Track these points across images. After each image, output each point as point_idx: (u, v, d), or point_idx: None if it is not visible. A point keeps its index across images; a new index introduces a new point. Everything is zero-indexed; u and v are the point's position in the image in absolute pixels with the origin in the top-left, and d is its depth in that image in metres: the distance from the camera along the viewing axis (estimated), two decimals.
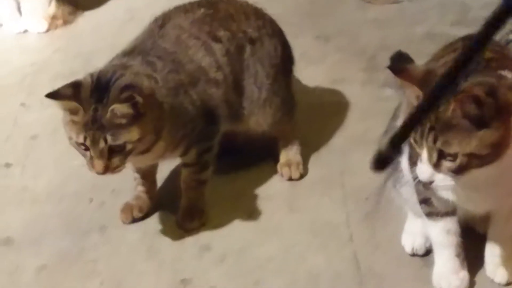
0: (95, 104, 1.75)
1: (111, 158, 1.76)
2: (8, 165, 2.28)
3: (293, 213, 2.00)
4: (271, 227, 1.97)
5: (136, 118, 1.75)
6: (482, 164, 1.50)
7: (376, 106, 2.29)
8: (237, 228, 1.97)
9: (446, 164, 1.51)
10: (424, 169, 1.53)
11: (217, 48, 1.98)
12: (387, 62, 2.41)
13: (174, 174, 2.11)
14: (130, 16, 2.91)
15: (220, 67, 1.97)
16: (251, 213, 2.01)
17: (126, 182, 2.10)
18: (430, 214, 1.70)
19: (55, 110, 2.43)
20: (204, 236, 1.95)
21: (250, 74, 2.02)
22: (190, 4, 2.07)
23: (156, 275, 1.88)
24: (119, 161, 1.78)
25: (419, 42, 2.50)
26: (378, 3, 2.84)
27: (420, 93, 1.52)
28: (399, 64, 1.62)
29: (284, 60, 2.12)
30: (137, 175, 2.03)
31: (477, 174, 1.52)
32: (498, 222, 1.72)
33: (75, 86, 1.78)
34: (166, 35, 1.96)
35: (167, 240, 1.95)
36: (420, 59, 1.68)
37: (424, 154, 1.52)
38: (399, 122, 1.73)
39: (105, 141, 1.74)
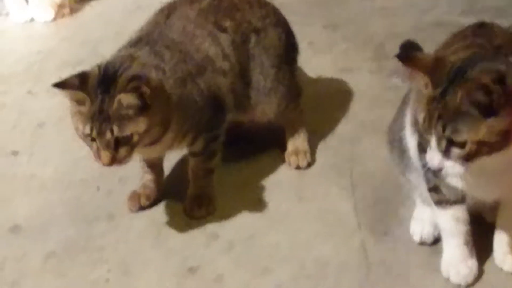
0: (102, 95, 1.74)
1: (117, 150, 1.75)
2: (15, 153, 2.28)
3: (300, 201, 2.00)
4: (279, 215, 1.97)
5: (143, 109, 1.74)
6: (491, 152, 1.49)
7: (384, 95, 2.28)
8: (245, 217, 1.97)
9: (455, 151, 1.50)
10: (434, 157, 1.52)
11: (223, 38, 1.98)
12: (395, 50, 2.40)
13: (182, 162, 2.11)
14: (137, 5, 2.91)
15: (226, 57, 1.97)
16: (259, 201, 2.01)
17: (133, 170, 2.09)
18: (439, 202, 1.69)
19: (62, 98, 2.44)
20: (212, 224, 1.95)
21: (255, 63, 2.02)
22: None
23: (164, 263, 1.87)
24: (125, 152, 1.76)
25: (427, 31, 2.49)
26: None
27: (429, 81, 1.52)
28: (408, 52, 1.60)
29: (289, 49, 2.11)
30: (144, 164, 2.02)
31: (486, 162, 1.51)
32: (507, 210, 1.71)
33: (82, 77, 1.77)
34: (173, 25, 1.95)
35: (174, 228, 1.95)
36: (429, 48, 1.66)
37: (433, 141, 1.51)
38: (408, 110, 1.74)
39: (112, 132, 1.73)
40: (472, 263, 1.72)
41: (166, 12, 1.99)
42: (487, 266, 1.74)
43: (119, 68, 1.77)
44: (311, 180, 2.07)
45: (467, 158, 1.50)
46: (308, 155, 2.11)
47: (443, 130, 1.49)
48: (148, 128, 1.75)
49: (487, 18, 1.69)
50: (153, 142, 1.81)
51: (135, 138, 1.75)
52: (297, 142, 2.12)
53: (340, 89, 2.36)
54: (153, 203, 2.03)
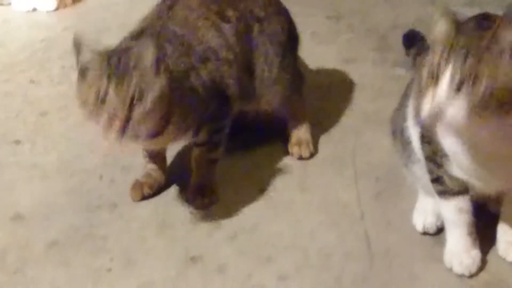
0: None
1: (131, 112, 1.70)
2: (18, 141, 2.27)
3: (304, 191, 2.00)
4: (282, 205, 1.97)
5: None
6: (500, 112, 1.41)
7: (387, 86, 2.29)
8: (248, 206, 1.97)
9: (468, 91, 1.40)
10: (441, 91, 1.41)
11: (227, 28, 1.97)
12: (398, 42, 2.44)
13: (184, 151, 2.11)
14: None
15: (230, 47, 1.96)
16: (262, 191, 2.01)
17: (136, 160, 2.09)
18: (442, 193, 1.69)
19: (65, 87, 2.46)
20: (215, 214, 1.95)
21: (259, 53, 2.01)
22: None
23: (167, 252, 1.87)
24: (139, 115, 1.70)
25: (431, 22, 2.48)
26: None
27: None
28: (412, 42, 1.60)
29: (291, 38, 2.11)
30: (146, 153, 2.02)
31: (492, 146, 1.49)
32: (510, 201, 1.71)
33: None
34: (175, 16, 1.94)
35: (177, 217, 1.95)
36: None
37: (446, 76, 1.41)
38: (410, 101, 1.73)
39: (129, 84, 1.69)
40: (475, 253, 1.71)
41: (169, 3, 1.98)
42: (491, 256, 1.74)
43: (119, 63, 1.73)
44: (314, 170, 2.07)
45: (475, 108, 1.40)
46: (310, 145, 2.11)
47: (464, 63, 1.40)
48: (161, 96, 1.71)
49: (491, 10, 1.69)
50: (156, 134, 1.80)
51: (148, 103, 1.70)
52: (299, 133, 2.12)
53: (343, 80, 2.36)
54: (156, 192, 2.03)
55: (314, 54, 2.38)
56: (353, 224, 1.89)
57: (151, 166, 2.03)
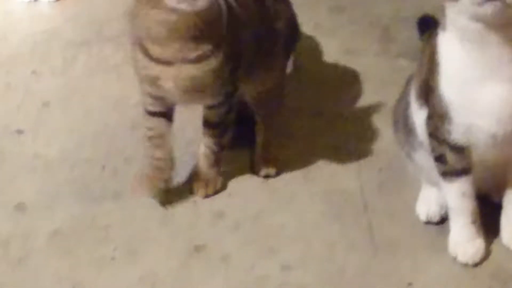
0: None
1: None
2: (20, 132, 2.27)
3: (307, 181, 2.00)
4: (286, 195, 1.97)
5: None
6: None
7: (390, 77, 2.28)
8: (252, 196, 1.97)
9: None
10: None
11: None
12: (401, 33, 2.44)
13: (187, 141, 2.10)
14: None
15: (249, 7, 1.88)
16: (265, 181, 2.01)
17: (138, 150, 2.09)
18: (445, 174, 1.69)
19: (67, 78, 2.46)
20: (218, 203, 1.95)
21: (268, 27, 1.95)
22: None
23: (170, 241, 1.87)
24: None
25: (434, 13, 2.48)
26: None
27: None
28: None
29: (291, 33, 2.09)
30: (152, 141, 1.95)
31: None
32: None
33: None
34: None
35: (181, 207, 1.95)
36: None
37: None
38: (413, 86, 1.74)
39: None
40: (480, 242, 1.72)
41: None
42: (494, 246, 1.74)
43: None
44: (317, 161, 2.06)
45: None
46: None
47: None
48: None
49: None
50: (205, 56, 1.74)
51: None
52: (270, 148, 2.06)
53: (346, 71, 2.35)
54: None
55: (317, 45, 2.38)
56: (356, 214, 1.89)
57: (159, 155, 1.93)
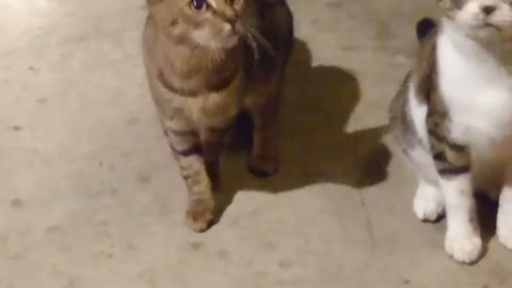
0: None
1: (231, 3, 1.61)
2: (17, 127, 2.26)
3: (305, 177, 1.99)
4: (284, 190, 1.97)
5: None
6: None
7: (388, 73, 2.28)
8: (249, 192, 1.97)
9: None
10: None
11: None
12: (400, 29, 2.44)
13: None
14: None
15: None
16: (263, 177, 2.01)
17: (135, 146, 2.10)
18: (443, 172, 1.69)
19: (64, 73, 2.45)
20: (216, 199, 1.94)
21: (270, 36, 1.88)
22: None
23: (167, 237, 1.87)
24: (239, 5, 1.62)
25: (432, 10, 2.48)
26: None
27: None
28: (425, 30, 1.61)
29: (289, 43, 2.08)
30: (189, 181, 1.92)
31: None
32: (511, 187, 1.72)
33: None
34: None
35: (178, 203, 1.94)
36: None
37: None
38: (411, 83, 1.74)
39: None
40: (476, 240, 1.72)
41: None
42: (491, 243, 1.75)
43: None
44: (315, 156, 2.06)
45: None
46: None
47: None
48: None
49: None
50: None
51: None
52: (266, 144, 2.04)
53: (344, 67, 2.35)
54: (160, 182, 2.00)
55: (315, 41, 2.37)
56: (354, 210, 1.89)
57: (199, 189, 1.91)
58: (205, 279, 1.77)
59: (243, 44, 1.72)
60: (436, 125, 1.64)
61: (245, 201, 1.95)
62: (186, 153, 1.90)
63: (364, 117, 2.16)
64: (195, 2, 1.60)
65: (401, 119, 1.79)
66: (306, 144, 2.09)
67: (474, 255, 1.71)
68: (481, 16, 1.47)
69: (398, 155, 1.90)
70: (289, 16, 2.05)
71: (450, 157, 1.66)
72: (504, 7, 1.46)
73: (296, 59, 2.27)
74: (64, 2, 2.76)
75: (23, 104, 2.35)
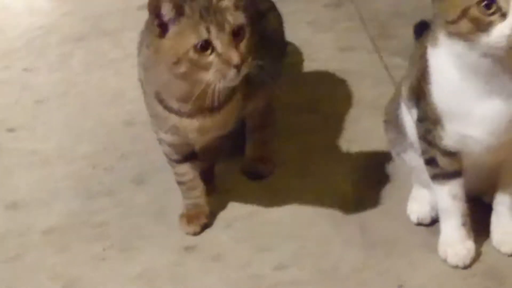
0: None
1: (237, 46, 1.61)
2: (16, 128, 2.28)
3: (300, 179, 2.00)
4: (279, 192, 1.97)
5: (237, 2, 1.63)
6: None
7: (385, 74, 2.28)
8: (244, 193, 1.97)
9: None
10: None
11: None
12: (398, 30, 2.44)
13: None
14: None
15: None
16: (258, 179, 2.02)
17: (134, 147, 2.11)
18: (435, 177, 1.69)
19: (63, 74, 2.46)
20: (211, 202, 1.94)
21: (265, 44, 1.88)
22: None
23: (164, 239, 1.88)
24: (244, 46, 1.62)
25: (431, 10, 2.48)
26: None
27: None
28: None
29: (282, 38, 2.07)
30: (183, 187, 1.92)
31: None
32: (504, 191, 1.72)
33: None
34: None
35: (175, 205, 1.95)
36: None
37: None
38: (404, 87, 1.74)
39: (229, 22, 1.59)
40: (470, 244, 1.72)
41: None
42: (485, 247, 1.75)
43: None
44: (311, 158, 2.06)
45: None
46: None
47: None
48: (246, 22, 1.63)
49: None
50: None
51: (246, 30, 1.63)
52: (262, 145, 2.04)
53: (341, 68, 2.35)
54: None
55: (312, 42, 2.38)
56: (350, 213, 1.90)
57: (194, 195, 1.91)
58: (201, 282, 1.78)
59: None
60: (428, 131, 1.64)
61: (240, 203, 1.95)
62: (180, 161, 1.90)
63: (360, 118, 2.17)
64: (200, 46, 1.59)
65: (394, 123, 1.79)
66: (302, 146, 2.10)
67: (467, 259, 1.71)
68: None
69: (393, 158, 1.90)
70: (280, 20, 2.04)
71: (442, 163, 1.66)
72: None
73: (292, 60, 2.28)
74: (63, 2, 2.77)
75: (22, 105, 2.37)
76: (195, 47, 1.60)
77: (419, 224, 1.83)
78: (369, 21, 2.53)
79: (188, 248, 1.86)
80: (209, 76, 1.61)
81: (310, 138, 2.12)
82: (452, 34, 1.53)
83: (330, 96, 2.26)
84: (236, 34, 1.61)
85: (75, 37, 2.58)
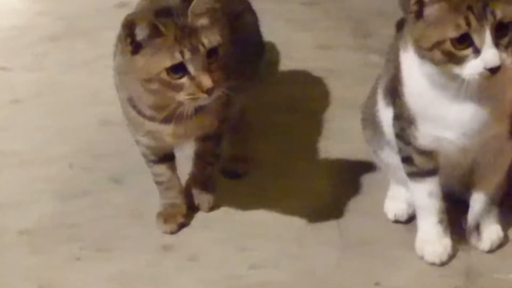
0: (168, 19, 1.59)
1: (210, 69, 1.60)
2: None
3: (278, 178, 1.99)
4: (256, 192, 1.96)
5: (213, 19, 1.62)
6: None
7: (363, 72, 2.27)
8: (222, 193, 1.95)
9: (503, 40, 1.46)
10: (493, 54, 1.45)
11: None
12: (376, 28, 2.43)
13: None
14: None
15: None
16: (236, 179, 2.00)
17: (108, 147, 2.09)
18: (412, 174, 1.69)
19: (39, 74, 2.44)
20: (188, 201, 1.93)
21: (242, 48, 1.87)
22: None
23: (139, 240, 1.86)
24: (217, 68, 1.61)
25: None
26: None
27: None
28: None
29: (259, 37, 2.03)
30: (161, 187, 1.91)
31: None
32: (480, 189, 1.72)
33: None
34: None
35: (150, 205, 1.93)
36: None
37: (487, 36, 1.45)
38: (380, 85, 1.74)
39: (203, 45, 1.58)
40: (446, 242, 1.72)
41: None
42: (462, 245, 1.75)
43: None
44: (289, 158, 2.05)
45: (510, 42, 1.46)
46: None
47: (494, 16, 1.44)
48: (222, 41, 1.63)
49: None
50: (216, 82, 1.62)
51: (220, 51, 1.62)
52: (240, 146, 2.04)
53: (319, 67, 2.34)
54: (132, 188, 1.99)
55: (290, 41, 2.37)
56: (327, 211, 1.89)
57: (171, 194, 1.90)
58: (176, 282, 1.76)
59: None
60: (403, 130, 1.64)
61: (217, 202, 1.94)
62: (157, 162, 1.88)
63: (339, 117, 2.16)
64: (173, 68, 1.58)
65: (371, 120, 1.79)
66: (280, 145, 2.09)
67: (444, 256, 1.71)
68: (486, 73, 1.47)
69: (370, 156, 1.89)
70: (256, 21, 2.00)
71: (418, 161, 1.66)
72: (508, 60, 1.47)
73: (270, 59, 2.27)
74: (38, 2, 2.75)
75: None
76: (168, 69, 1.59)
77: (396, 221, 1.82)
78: (347, 19, 2.52)
79: (165, 248, 1.84)
80: (180, 97, 1.61)
81: (289, 138, 2.11)
82: (423, 58, 1.52)
83: (308, 95, 2.25)
84: (210, 55, 1.61)
85: (51, 36, 2.55)
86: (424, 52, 1.51)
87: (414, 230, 1.76)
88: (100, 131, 2.18)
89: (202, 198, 1.93)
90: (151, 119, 1.72)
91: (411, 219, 1.80)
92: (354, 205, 1.89)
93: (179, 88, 1.60)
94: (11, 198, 2.01)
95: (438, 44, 1.48)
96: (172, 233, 1.87)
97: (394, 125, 1.66)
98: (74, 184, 2.04)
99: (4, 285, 1.80)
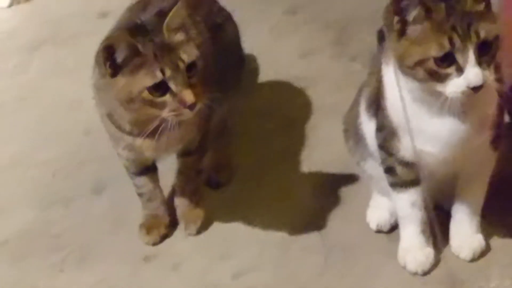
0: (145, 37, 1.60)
1: (191, 84, 1.60)
2: None
3: (260, 186, 1.99)
4: (238, 200, 1.96)
5: (188, 33, 1.64)
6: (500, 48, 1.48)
7: (345, 80, 2.27)
8: (203, 201, 1.94)
9: (485, 58, 1.46)
10: (476, 71, 1.45)
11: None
12: (357, 35, 2.43)
13: None
14: None
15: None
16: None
17: (93, 156, 2.08)
18: (394, 185, 1.70)
19: (22, 79, 2.43)
20: (169, 211, 1.92)
21: (223, 58, 1.88)
22: None
23: (121, 249, 1.87)
24: (198, 82, 1.61)
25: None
26: None
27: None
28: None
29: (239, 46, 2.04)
30: (143, 198, 1.90)
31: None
32: (462, 198, 1.72)
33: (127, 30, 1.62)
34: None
35: (133, 214, 1.93)
36: None
37: (471, 55, 1.45)
38: (363, 97, 1.74)
39: (182, 61, 1.59)
40: (429, 251, 1.72)
41: (142, 5, 1.81)
42: (444, 254, 1.75)
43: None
44: (271, 165, 2.05)
45: (491, 61, 1.47)
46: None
47: (477, 35, 1.45)
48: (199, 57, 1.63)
49: None
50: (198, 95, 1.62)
51: (199, 65, 1.62)
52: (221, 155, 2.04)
53: (300, 75, 2.34)
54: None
55: (271, 49, 2.36)
56: (308, 219, 1.89)
57: (153, 206, 1.89)
58: None
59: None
60: (386, 140, 1.65)
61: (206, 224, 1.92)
62: (139, 174, 1.88)
63: (319, 124, 2.16)
64: (155, 87, 1.58)
65: (354, 131, 1.79)
66: (262, 152, 2.09)
67: (426, 266, 1.71)
68: (469, 91, 1.48)
69: (353, 165, 1.89)
70: (237, 31, 2.01)
71: (400, 172, 1.67)
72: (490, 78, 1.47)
73: (252, 67, 2.27)
74: (21, 9, 2.74)
75: None
76: (149, 88, 1.59)
77: (379, 231, 1.83)
78: (328, 27, 2.52)
79: (147, 258, 1.84)
80: (163, 114, 1.61)
81: (270, 145, 2.11)
82: (406, 75, 1.53)
83: (290, 102, 2.25)
84: (189, 69, 1.61)
85: (34, 43, 2.55)
86: (406, 69, 1.51)
87: (397, 240, 1.76)
88: (82, 139, 2.18)
89: (190, 214, 1.92)
90: (131, 134, 1.71)
91: (394, 228, 1.81)
92: (336, 213, 1.89)
93: (161, 105, 1.60)
94: None
95: (421, 63, 1.48)
96: (154, 244, 1.87)
97: (377, 136, 1.67)
98: (56, 192, 2.03)
99: None
